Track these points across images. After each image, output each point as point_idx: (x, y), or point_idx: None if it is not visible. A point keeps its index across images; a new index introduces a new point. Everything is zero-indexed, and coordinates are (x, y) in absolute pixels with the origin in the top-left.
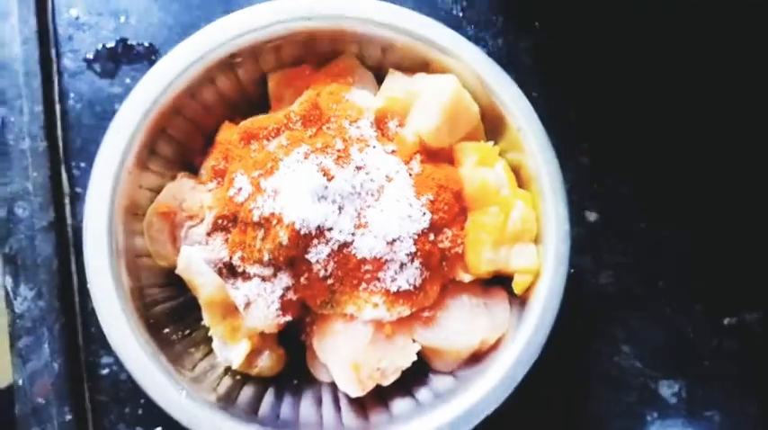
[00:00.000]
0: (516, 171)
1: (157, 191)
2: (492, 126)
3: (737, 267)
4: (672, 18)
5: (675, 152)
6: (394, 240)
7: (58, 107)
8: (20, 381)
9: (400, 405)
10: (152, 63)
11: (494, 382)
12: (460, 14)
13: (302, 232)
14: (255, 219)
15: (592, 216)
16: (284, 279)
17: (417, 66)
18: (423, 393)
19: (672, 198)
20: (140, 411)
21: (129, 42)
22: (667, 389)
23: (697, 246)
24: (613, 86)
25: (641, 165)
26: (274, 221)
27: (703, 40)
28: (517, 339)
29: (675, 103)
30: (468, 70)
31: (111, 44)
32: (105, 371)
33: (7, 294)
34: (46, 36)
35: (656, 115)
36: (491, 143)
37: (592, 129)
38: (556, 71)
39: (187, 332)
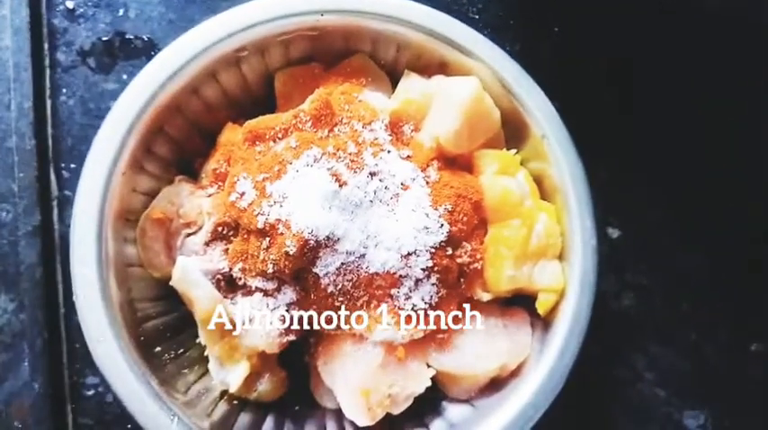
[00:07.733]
0: (539, 182)
1: (152, 195)
2: (513, 133)
3: (765, 291)
4: (694, 28)
5: (700, 165)
6: (409, 254)
7: (48, 103)
8: None
9: None
10: (151, 59)
11: (514, 413)
12: (476, 17)
13: (311, 242)
14: (260, 226)
15: (614, 233)
16: (288, 294)
17: (434, 67)
18: (437, 424)
19: (697, 215)
20: None
21: (126, 36)
22: (693, 421)
23: (723, 267)
24: (638, 97)
25: (665, 178)
26: (281, 229)
27: (729, 58)
28: (540, 365)
29: (701, 117)
30: (488, 72)
31: (107, 38)
32: (90, 393)
33: None
34: (38, 28)
35: (681, 128)
36: (513, 151)
37: (611, 141)
38: (575, 79)
39: (180, 351)
